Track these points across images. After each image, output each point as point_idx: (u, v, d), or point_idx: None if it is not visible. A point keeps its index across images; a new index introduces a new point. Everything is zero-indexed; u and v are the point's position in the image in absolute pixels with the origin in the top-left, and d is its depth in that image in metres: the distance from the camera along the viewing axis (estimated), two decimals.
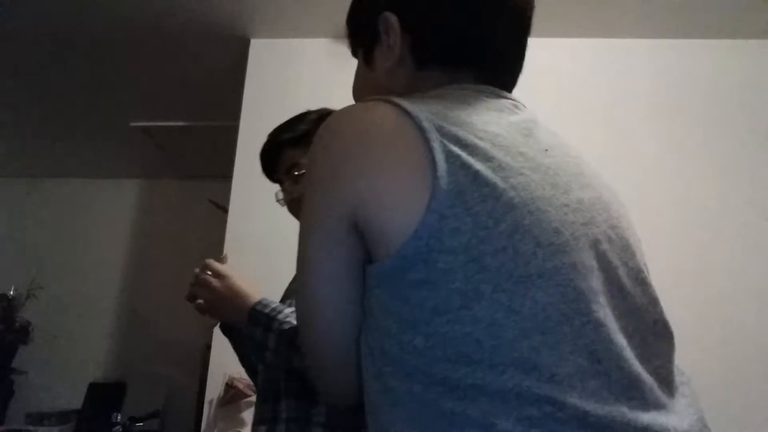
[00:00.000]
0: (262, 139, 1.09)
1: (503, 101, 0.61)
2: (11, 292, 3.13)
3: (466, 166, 0.48)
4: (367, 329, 0.53)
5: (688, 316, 1.85)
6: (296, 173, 1.02)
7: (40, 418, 2.84)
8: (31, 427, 2.80)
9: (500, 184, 0.48)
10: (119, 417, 2.70)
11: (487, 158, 0.49)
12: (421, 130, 0.49)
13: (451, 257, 0.46)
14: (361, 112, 0.55)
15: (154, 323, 3.30)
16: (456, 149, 0.49)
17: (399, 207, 0.48)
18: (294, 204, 1.05)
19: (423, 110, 0.52)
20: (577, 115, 2.15)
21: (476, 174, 0.48)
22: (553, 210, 0.49)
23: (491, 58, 0.64)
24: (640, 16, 2.13)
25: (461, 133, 0.50)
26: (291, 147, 1.04)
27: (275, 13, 2.16)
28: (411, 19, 0.62)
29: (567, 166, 0.55)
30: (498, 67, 0.65)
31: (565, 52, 2.23)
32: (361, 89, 0.70)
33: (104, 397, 2.99)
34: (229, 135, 2.18)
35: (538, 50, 2.24)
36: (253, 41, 2.28)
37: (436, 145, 0.48)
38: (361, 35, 0.69)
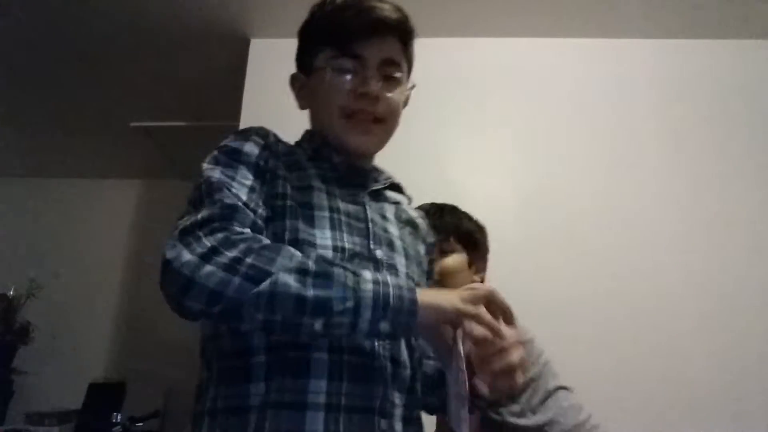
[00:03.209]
0: None
1: None
2: (11, 292, 3.12)
3: None
4: None
5: (691, 316, 1.85)
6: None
7: (40, 418, 2.84)
8: (31, 427, 2.80)
9: None
10: (119, 417, 2.70)
11: None
12: None
13: None
14: None
15: (154, 323, 3.29)
16: None
17: None
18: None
19: None
20: (578, 115, 2.15)
21: None
22: None
23: None
24: (640, 16, 2.13)
25: None
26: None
27: (275, 13, 2.16)
28: None
29: None
30: None
31: (566, 52, 2.23)
32: None
33: (104, 397, 2.98)
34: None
35: (541, 50, 2.26)
36: (253, 41, 2.28)
37: None
38: None
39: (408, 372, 0.78)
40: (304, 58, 0.94)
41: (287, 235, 0.77)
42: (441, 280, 1.26)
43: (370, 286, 0.66)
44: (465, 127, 2.15)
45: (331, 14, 0.87)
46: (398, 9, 0.89)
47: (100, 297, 3.46)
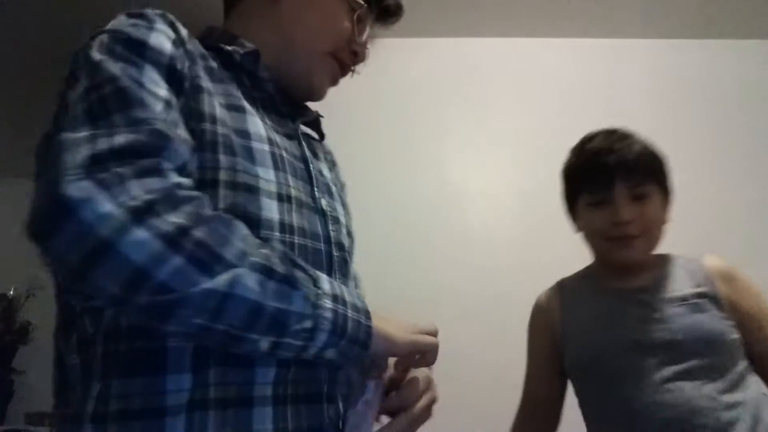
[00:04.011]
0: None
1: None
2: (11, 292, 3.12)
3: None
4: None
5: None
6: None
7: (40, 418, 2.84)
8: (31, 427, 2.80)
9: None
10: None
11: None
12: None
13: None
14: None
15: None
16: None
17: None
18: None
19: None
20: (577, 115, 2.15)
21: None
22: None
23: None
24: (638, 17, 2.13)
25: None
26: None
27: None
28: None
29: None
30: None
31: (565, 52, 2.23)
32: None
33: None
34: None
35: (540, 50, 2.27)
36: None
37: None
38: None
39: None
40: None
41: (222, 176, 0.54)
42: (643, 234, 1.01)
43: (329, 304, 0.51)
44: (465, 128, 2.15)
45: None
46: None
47: None
